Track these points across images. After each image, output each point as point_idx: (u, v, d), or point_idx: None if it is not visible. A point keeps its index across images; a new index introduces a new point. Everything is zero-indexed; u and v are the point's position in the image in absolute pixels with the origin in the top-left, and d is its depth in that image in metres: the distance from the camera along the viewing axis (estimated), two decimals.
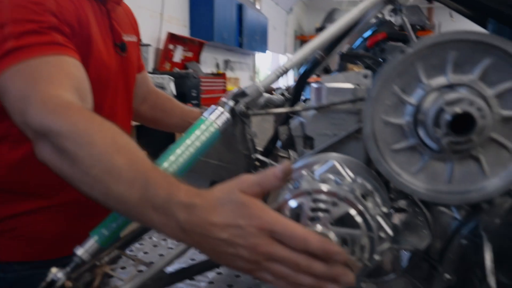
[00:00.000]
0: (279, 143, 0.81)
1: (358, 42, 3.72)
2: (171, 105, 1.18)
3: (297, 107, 0.75)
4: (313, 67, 0.84)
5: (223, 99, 0.72)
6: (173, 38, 4.73)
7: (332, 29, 0.77)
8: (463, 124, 0.53)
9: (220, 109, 0.71)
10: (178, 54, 4.97)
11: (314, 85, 0.76)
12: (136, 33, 1.09)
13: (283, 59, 12.18)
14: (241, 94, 0.73)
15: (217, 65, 6.64)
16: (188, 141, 0.67)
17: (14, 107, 0.67)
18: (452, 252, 0.64)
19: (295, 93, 0.85)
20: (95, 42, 0.85)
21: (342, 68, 0.79)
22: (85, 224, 0.67)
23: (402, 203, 0.74)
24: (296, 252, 0.47)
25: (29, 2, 0.73)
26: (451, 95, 0.54)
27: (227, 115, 0.70)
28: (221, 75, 5.81)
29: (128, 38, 0.99)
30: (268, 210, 0.49)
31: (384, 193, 0.64)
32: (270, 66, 11.07)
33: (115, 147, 0.57)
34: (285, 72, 0.73)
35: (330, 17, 12.93)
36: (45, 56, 0.70)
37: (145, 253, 1.00)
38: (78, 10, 0.82)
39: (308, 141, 0.74)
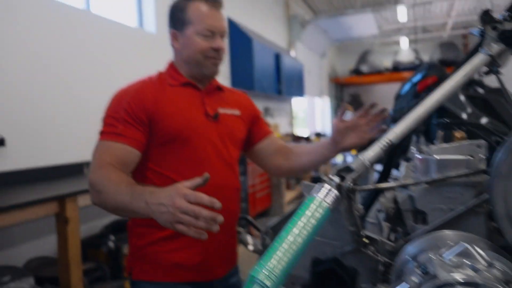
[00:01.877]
0: (382, 215, 0.78)
1: (406, 87, 3.66)
2: (301, 148, 1.44)
3: (407, 181, 0.72)
4: (409, 138, 0.82)
5: (329, 176, 0.71)
6: None
7: (437, 96, 0.74)
8: None
9: (327, 186, 0.69)
10: None
11: (418, 156, 0.74)
12: (242, 110, 1.40)
13: (319, 102, 12.26)
14: (346, 169, 0.72)
15: None
16: (301, 223, 0.66)
17: (91, 165, 1.16)
18: None
19: (387, 167, 0.83)
20: (176, 112, 1.23)
21: (448, 138, 0.76)
22: (208, 247, 1.22)
23: None
24: (195, 206, 0.83)
25: (115, 104, 1.22)
26: None
27: (335, 192, 0.69)
28: None
29: (225, 111, 1.33)
30: (183, 186, 0.88)
31: None
32: (306, 110, 11.15)
33: (119, 182, 1.04)
34: (391, 145, 0.71)
35: (363, 59, 13.05)
36: (107, 141, 1.17)
37: None
38: (157, 97, 1.23)
39: (420, 216, 0.71)
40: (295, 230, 0.65)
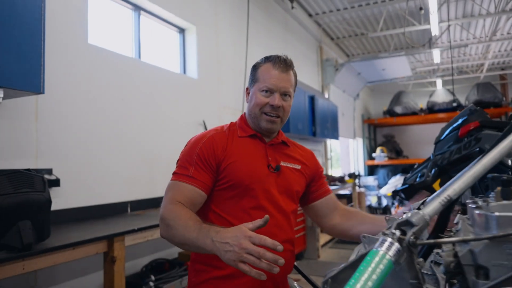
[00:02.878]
0: (440, 268, 0.79)
1: (447, 132, 3.63)
2: (361, 215, 1.50)
3: (469, 237, 0.74)
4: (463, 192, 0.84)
5: (390, 229, 0.74)
6: None
7: (493, 155, 0.78)
8: None
9: (389, 239, 0.72)
10: None
11: (477, 211, 0.76)
12: (304, 165, 1.50)
13: (352, 143, 12.19)
14: (406, 223, 0.75)
15: None
16: (365, 275, 0.69)
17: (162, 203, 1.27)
18: None
19: (442, 222, 0.85)
20: (241, 161, 1.34)
21: (507, 195, 0.78)
22: None
23: None
24: (259, 247, 0.93)
25: (189, 149, 1.36)
26: None
27: (397, 245, 0.72)
28: None
29: (287, 164, 1.44)
30: (246, 228, 0.98)
31: None
32: (340, 151, 11.10)
33: (188, 218, 1.14)
34: (450, 201, 0.75)
35: (397, 100, 13.00)
36: (179, 181, 1.29)
37: None
38: (227, 146, 1.36)
39: (482, 271, 0.72)
40: (358, 286, 0.68)
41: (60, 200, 2.71)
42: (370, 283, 0.69)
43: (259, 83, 1.36)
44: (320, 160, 8.45)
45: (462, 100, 12.28)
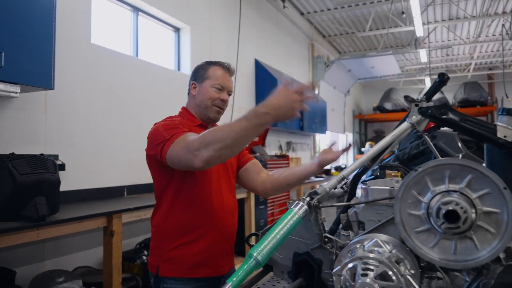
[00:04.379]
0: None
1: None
2: (282, 169, 1.76)
3: (352, 201, 1.12)
4: (362, 172, 1.22)
5: (303, 197, 1.12)
6: None
7: (376, 148, 1.15)
8: (454, 216, 0.88)
9: (301, 203, 1.10)
10: None
11: (363, 186, 1.14)
12: None
13: (342, 138, 12.57)
14: (314, 193, 1.13)
15: (280, 147, 7.19)
16: (281, 225, 1.07)
17: (183, 154, 1.36)
18: None
19: (351, 190, 1.22)
20: None
21: (382, 175, 1.16)
22: (217, 251, 1.62)
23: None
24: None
25: (170, 123, 1.54)
26: (446, 199, 0.89)
27: (305, 207, 1.10)
28: (285, 157, 6.30)
29: None
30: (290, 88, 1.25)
31: (413, 261, 0.97)
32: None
33: (222, 125, 1.31)
34: (343, 179, 1.12)
35: (387, 97, 13.40)
36: (186, 133, 1.43)
37: None
38: (193, 130, 1.57)
39: (361, 225, 1.10)
40: (277, 230, 1.06)
41: (66, 182, 3.07)
42: (284, 230, 1.07)
43: (211, 81, 1.69)
44: (308, 153, 8.85)
45: (451, 98, 12.68)
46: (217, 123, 1.81)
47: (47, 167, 2.21)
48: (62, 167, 3.00)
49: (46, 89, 2.59)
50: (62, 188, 2.99)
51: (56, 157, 3.03)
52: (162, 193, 1.63)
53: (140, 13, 4.28)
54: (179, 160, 1.39)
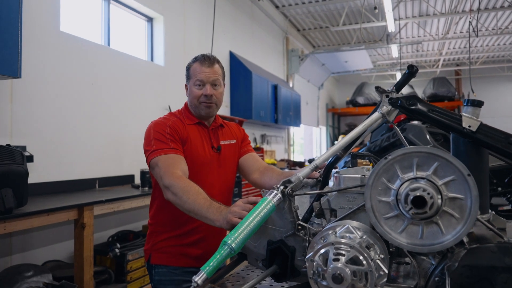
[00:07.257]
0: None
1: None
2: (275, 171, 1.79)
3: (325, 190, 1.15)
4: (335, 161, 1.25)
5: (277, 185, 1.14)
6: None
7: (348, 137, 1.18)
8: (421, 202, 0.91)
9: (275, 192, 1.12)
10: None
11: (335, 174, 1.16)
12: (237, 138, 1.86)
13: (316, 131, 12.72)
14: (288, 181, 1.15)
15: (255, 140, 7.20)
16: (256, 213, 1.08)
17: (158, 176, 1.52)
18: (430, 287, 0.98)
19: (324, 179, 1.25)
20: (193, 146, 1.69)
21: (354, 164, 1.19)
22: (208, 245, 1.69)
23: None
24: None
25: (158, 130, 1.63)
26: (414, 185, 0.93)
27: (279, 195, 1.11)
28: (259, 149, 6.33)
29: (225, 142, 1.80)
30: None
31: (382, 246, 1.00)
32: (304, 138, 11.59)
33: (196, 192, 1.38)
34: (316, 167, 1.14)
35: (359, 91, 13.64)
36: (165, 154, 1.55)
37: (232, 284, 1.37)
38: (185, 131, 1.69)
39: (333, 212, 1.13)
40: (251, 217, 1.07)
41: (34, 174, 2.98)
42: (258, 217, 1.08)
43: (192, 79, 1.70)
44: (282, 146, 8.92)
45: (420, 93, 13.04)
46: (220, 115, 1.84)
47: (14, 158, 2.14)
48: (30, 158, 2.90)
49: (12, 78, 2.49)
50: (30, 180, 2.90)
51: (23, 148, 2.93)
52: (156, 186, 1.67)
53: (112, 1, 4.17)
54: (155, 177, 1.58)
